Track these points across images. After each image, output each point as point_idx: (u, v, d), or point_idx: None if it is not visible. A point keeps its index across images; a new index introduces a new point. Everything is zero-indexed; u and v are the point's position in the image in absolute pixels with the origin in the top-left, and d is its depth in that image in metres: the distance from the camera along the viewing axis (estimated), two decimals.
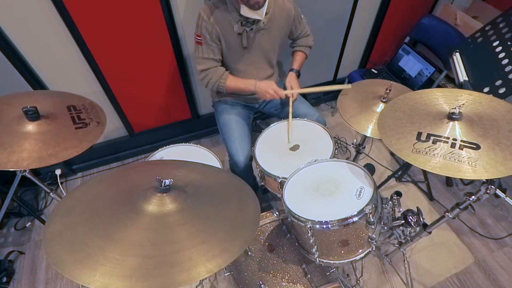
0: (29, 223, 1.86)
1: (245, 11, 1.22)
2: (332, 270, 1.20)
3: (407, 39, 2.28)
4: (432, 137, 0.94)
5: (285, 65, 2.15)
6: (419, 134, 0.97)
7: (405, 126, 1.01)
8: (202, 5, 1.59)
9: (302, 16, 1.51)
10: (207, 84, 1.40)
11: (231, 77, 1.40)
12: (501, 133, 0.91)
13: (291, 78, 1.51)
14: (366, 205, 0.97)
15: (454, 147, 0.90)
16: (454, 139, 0.92)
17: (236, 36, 1.31)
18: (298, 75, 1.56)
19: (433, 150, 0.91)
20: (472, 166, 0.85)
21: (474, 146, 0.89)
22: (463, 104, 0.98)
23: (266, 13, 1.28)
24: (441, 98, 1.06)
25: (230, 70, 1.44)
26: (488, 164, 0.85)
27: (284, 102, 1.62)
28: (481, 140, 0.90)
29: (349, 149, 2.27)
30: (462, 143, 0.91)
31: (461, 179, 2.03)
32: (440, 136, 0.94)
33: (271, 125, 1.46)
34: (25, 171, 1.14)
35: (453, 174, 0.86)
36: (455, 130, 0.94)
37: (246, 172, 1.53)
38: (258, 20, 1.29)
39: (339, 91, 1.46)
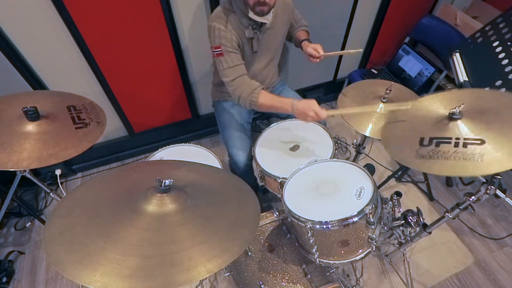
0: (29, 223, 1.86)
1: (253, 15, 1.22)
2: (332, 270, 1.20)
3: (407, 39, 2.28)
4: (434, 140, 0.94)
5: (288, 66, 2.16)
6: (422, 139, 0.96)
7: (407, 135, 1.00)
8: (202, 5, 1.61)
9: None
10: (238, 98, 1.28)
11: (264, 92, 1.26)
12: (506, 124, 0.89)
13: (312, 45, 1.42)
14: (366, 205, 0.97)
15: (458, 146, 0.89)
16: (457, 138, 0.91)
17: (247, 42, 1.31)
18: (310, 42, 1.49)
19: (437, 153, 0.90)
20: (478, 162, 0.84)
21: (479, 142, 0.88)
22: (463, 104, 0.98)
23: None
24: (440, 102, 1.05)
25: None
26: (495, 157, 0.83)
27: None
28: (485, 135, 0.89)
29: (349, 149, 2.27)
30: (466, 141, 0.89)
31: (461, 179, 2.03)
32: (442, 138, 0.93)
33: (271, 125, 1.46)
34: (25, 171, 1.14)
35: (462, 173, 0.84)
36: (458, 129, 0.93)
37: (246, 172, 1.53)
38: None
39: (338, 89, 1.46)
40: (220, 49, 1.23)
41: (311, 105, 1.16)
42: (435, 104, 1.05)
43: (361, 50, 1.30)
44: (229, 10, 1.25)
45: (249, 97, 1.25)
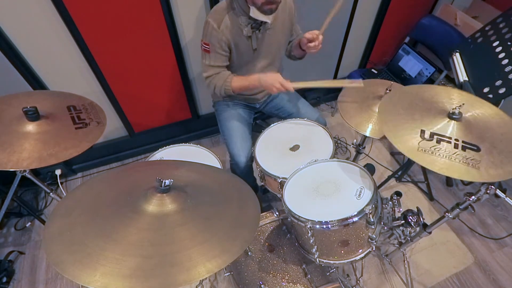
0: (29, 223, 1.86)
1: (255, 13, 1.21)
2: (332, 270, 1.20)
3: (407, 39, 2.28)
4: (435, 137, 0.94)
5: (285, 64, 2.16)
6: (422, 132, 0.96)
7: (407, 123, 1.00)
8: (202, 5, 1.61)
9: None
10: (213, 89, 1.38)
11: (235, 78, 1.37)
12: (495, 137, 0.91)
13: (309, 32, 1.34)
14: (366, 205, 0.97)
15: (458, 148, 0.90)
16: (456, 140, 0.92)
17: (246, 40, 1.31)
18: None
19: (438, 150, 0.90)
20: (476, 168, 0.85)
21: (475, 148, 0.89)
22: (463, 104, 0.98)
23: None
24: (437, 95, 1.06)
25: (239, 74, 1.41)
26: (489, 166, 0.84)
27: (285, 102, 1.62)
28: (480, 142, 0.90)
29: (349, 149, 2.27)
30: (464, 144, 0.90)
31: (461, 179, 2.04)
32: (443, 136, 0.94)
33: (271, 125, 1.46)
34: (25, 171, 1.14)
35: (459, 176, 0.85)
36: (456, 130, 0.94)
37: (247, 173, 1.53)
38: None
39: (339, 89, 1.46)
40: (208, 46, 1.28)
41: (276, 77, 1.29)
42: (434, 96, 1.06)
43: None
44: (230, 6, 1.25)
45: (223, 85, 1.36)
